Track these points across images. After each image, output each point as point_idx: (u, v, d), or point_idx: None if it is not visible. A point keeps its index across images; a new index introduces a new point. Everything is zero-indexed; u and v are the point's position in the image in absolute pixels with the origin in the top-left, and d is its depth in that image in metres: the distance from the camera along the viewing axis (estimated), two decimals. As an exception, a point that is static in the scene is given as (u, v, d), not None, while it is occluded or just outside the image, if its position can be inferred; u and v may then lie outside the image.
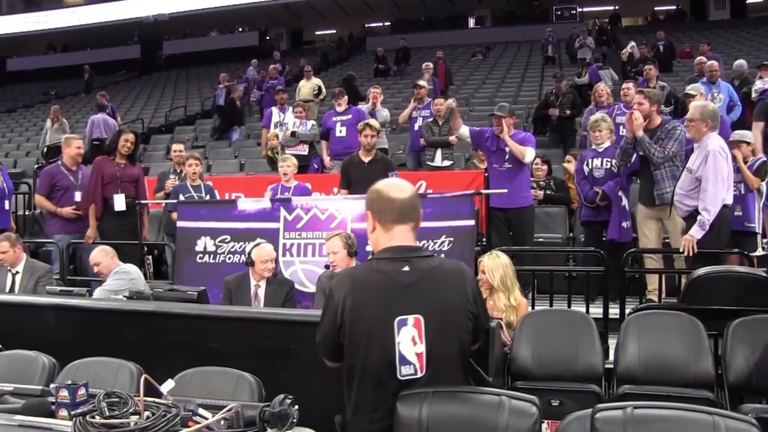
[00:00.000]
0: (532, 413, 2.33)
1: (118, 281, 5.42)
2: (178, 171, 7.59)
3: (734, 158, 5.75)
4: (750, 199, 5.91)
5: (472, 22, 29.56)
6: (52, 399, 2.61)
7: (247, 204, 6.27)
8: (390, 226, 2.51)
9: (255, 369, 3.26)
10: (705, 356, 3.72)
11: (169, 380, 2.58)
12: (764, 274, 4.38)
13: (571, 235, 7.31)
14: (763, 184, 5.96)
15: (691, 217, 5.23)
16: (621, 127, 7.00)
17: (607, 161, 6.21)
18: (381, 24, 31.77)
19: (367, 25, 31.21)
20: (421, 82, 10.27)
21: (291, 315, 3.99)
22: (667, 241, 5.95)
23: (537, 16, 27.91)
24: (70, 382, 2.56)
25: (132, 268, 5.70)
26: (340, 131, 9.02)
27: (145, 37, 30.44)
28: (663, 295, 5.32)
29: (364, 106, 9.89)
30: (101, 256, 5.62)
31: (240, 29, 30.95)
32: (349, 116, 8.97)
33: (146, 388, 2.51)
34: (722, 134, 5.69)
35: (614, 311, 5.20)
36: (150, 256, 6.77)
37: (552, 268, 5.58)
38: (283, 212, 6.06)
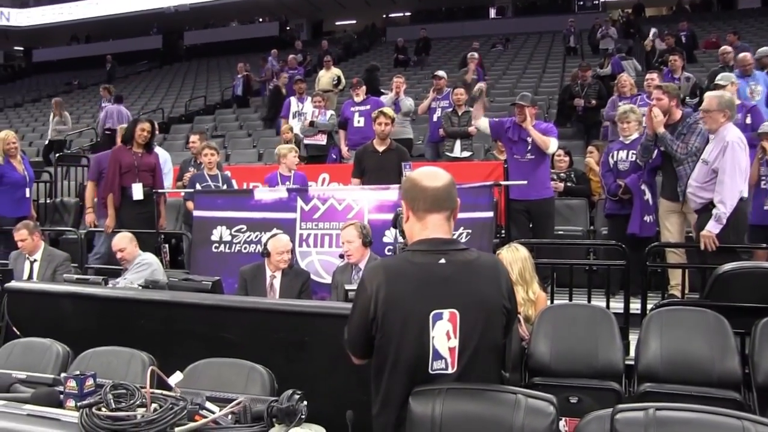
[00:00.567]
0: (549, 412, 2.24)
1: (141, 273, 5.40)
2: (197, 162, 7.59)
3: (763, 150, 5.61)
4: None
5: (492, 13, 29.36)
6: (61, 389, 2.58)
7: (263, 194, 6.23)
8: (423, 215, 2.43)
9: (268, 360, 3.21)
10: (731, 355, 3.61)
11: (177, 372, 2.54)
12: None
13: (592, 227, 7.20)
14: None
15: (705, 210, 5.11)
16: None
17: (633, 154, 6.10)
18: (401, 14, 31.64)
19: (387, 16, 31.09)
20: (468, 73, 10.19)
21: (305, 306, 3.93)
22: (690, 235, 5.82)
23: (559, 6, 27.56)
24: (78, 372, 2.53)
25: (153, 259, 5.72)
26: (358, 121, 8.98)
27: (167, 27, 30.60)
28: (686, 291, 5.21)
29: (387, 96, 9.83)
30: (126, 242, 5.61)
31: (260, 20, 30.99)
32: (367, 106, 8.90)
33: (157, 380, 2.47)
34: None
35: (635, 306, 5.10)
36: (167, 245, 6.75)
37: (572, 261, 5.47)
38: (299, 202, 6.02)
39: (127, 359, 3.35)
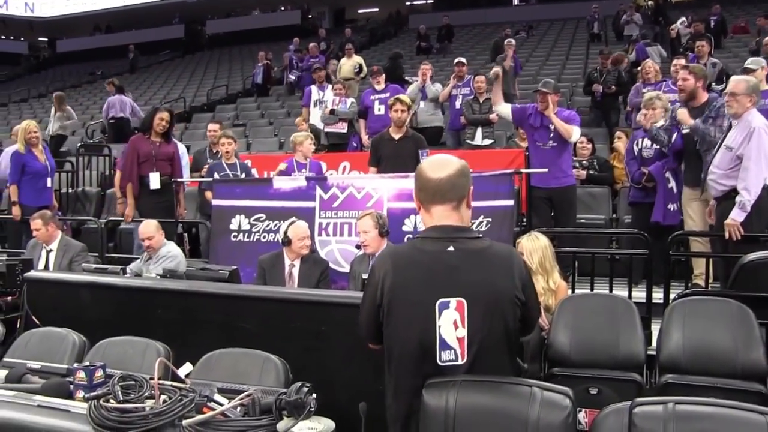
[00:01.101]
0: (565, 405, 2.18)
1: (167, 265, 5.37)
2: (215, 151, 7.59)
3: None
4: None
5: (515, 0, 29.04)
6: (71, 379, 2.57)
7: (282, 182, 6.21)
8: (428, 206, 2.40)
9: (284, 350, 3.19)
10: (756, 346, 3.50)
11: (187, 363, 2.52)
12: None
13: (614, 216, 7.10)
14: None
15: (726, 197, 4.99)
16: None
17: None
18: (424, 2, 31.44)
19: (409, 3, 30.92)
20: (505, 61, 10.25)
21: (321, 296, 3.90)
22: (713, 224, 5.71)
23: (582, -8, 27.21)
24: (87, 363, 2.52)
25: (178, 251, 5.73)
26: (379, 109, 8.93)
27: (189, 16, 30.76)
28: (710, 281, 5.10)
29: (413, 84, 9.75)
30: (153, 230, 5.60)
31: (282, 8, 30.97)
32: (387, 94, 8.83)
33: (168, 371, 2.46)
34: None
35: (658, 296, 5.00)
36: (186, 234, 6.75)
37: (594, 250, 5.39)
38: (318, 191, 5.99)
39: (143, 349, 3.34)
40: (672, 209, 5.81)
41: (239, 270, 4.54)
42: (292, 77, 15.64)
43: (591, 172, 7.39)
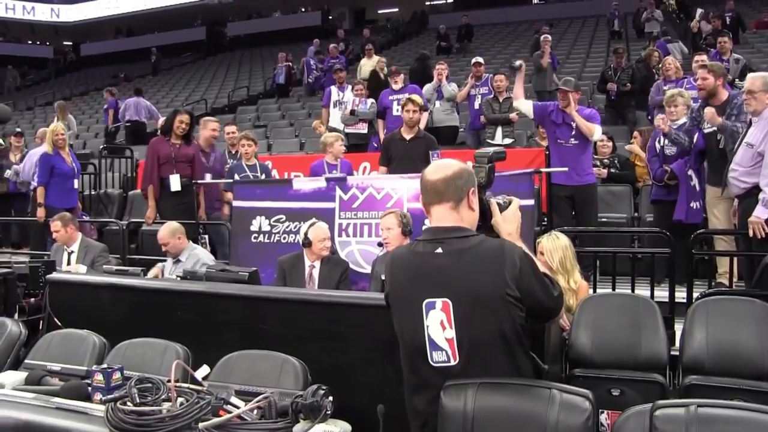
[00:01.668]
0: (584, 408, 2.15)
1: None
2: (233, 152, 7.62)
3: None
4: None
5: (536, -2, 28.89)
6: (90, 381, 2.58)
7: (302, 183, 6.21)
8: (428, 207, 2.46)
9: (303, 352, 3.18)
10: (782, 347, 3.44)
11: (204, 366, 2.52)
12: None
13: (636, 214, 7.02)
14: None
15: (748, 195, 4.91)
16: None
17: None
18: (443, 1, 31.34)
19: (429, 3, 30.83)
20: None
21: (340, 297, 3.89)
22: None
23: (603, -10, 26.95)
24: (105, 365, 2.53)
25: (203, 253, 5.75)
26: (397, 110, 8.86)
27: (210, 19, 30.93)
28: (735, 280, 5.02)
29: (429, 84, 9.73)
30: (168, 236, 5.61)
31: (303, 9, 31.04)
32: (406, 94, 8.79)
33: (186, 374, 2.46)
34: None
35: (681, 295, 4.93)
36: (207, 236, 6.78)
37: (615, 249, 5.34)
38: (338, 192, 5.97)
39: (162, 350, 3.34)
40: (695, 207, 5.74)
41: (259, 271, 4.53)
42: (310, 80, 15.68)
43: (612, 170, 7.31)
